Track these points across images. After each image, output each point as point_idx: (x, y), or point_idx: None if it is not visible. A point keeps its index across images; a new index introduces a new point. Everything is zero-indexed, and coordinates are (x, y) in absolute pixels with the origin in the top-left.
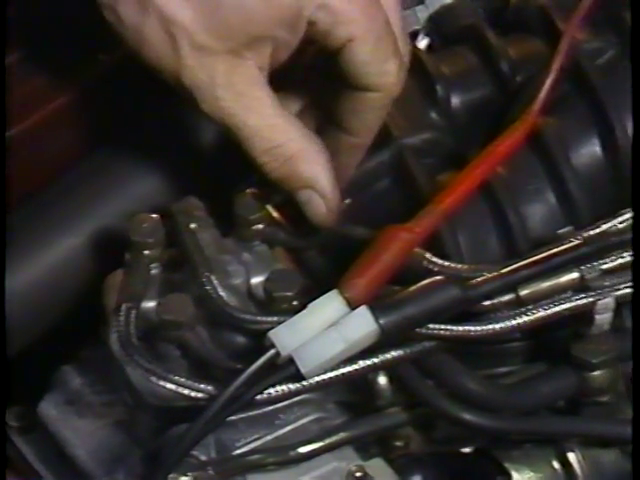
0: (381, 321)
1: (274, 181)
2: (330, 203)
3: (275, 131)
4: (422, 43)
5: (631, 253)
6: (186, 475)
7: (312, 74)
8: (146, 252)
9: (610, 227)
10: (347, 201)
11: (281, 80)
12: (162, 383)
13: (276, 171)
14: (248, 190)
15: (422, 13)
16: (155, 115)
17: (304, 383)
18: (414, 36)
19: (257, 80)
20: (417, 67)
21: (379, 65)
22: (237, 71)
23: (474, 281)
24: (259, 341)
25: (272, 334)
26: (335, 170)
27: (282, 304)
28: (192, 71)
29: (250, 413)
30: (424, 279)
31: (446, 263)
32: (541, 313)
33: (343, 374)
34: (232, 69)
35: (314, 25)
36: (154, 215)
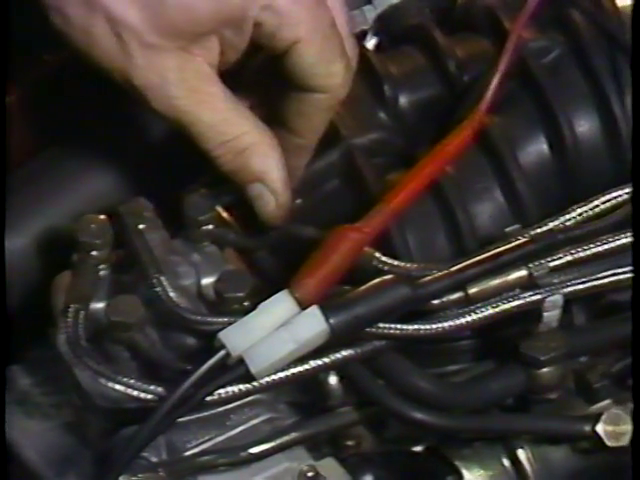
0: (331, 321)
1: (226, 174)
2: (280, 199)
3: (229, 124)
4: (370, 43)
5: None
6: (137, 476)
7: (260, 76)
8: (94, 253)
9: (557, 225)
10: (297, 201)
11: (229, 82)
12: (111, 384)
13: (229, 164)
14: (197, 190)
15: (370, 13)
16: (102, 116)
17: (255, 383)
18: (362, 36)
19: (208, 75)
20: (365, 67)
21: (325, 66)
22: (188, 67)
23: (423, 280)
24: (209, 342)
25: (222, 335)
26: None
27: (233, 305)
28: (142, 71)
29: (201, 414)
30: (374, 278)
31: (395, 262)
32: (490, 311)
33: (294, 374)
34: (183, 65)
35: (260, 26)
36: (102, 216)
